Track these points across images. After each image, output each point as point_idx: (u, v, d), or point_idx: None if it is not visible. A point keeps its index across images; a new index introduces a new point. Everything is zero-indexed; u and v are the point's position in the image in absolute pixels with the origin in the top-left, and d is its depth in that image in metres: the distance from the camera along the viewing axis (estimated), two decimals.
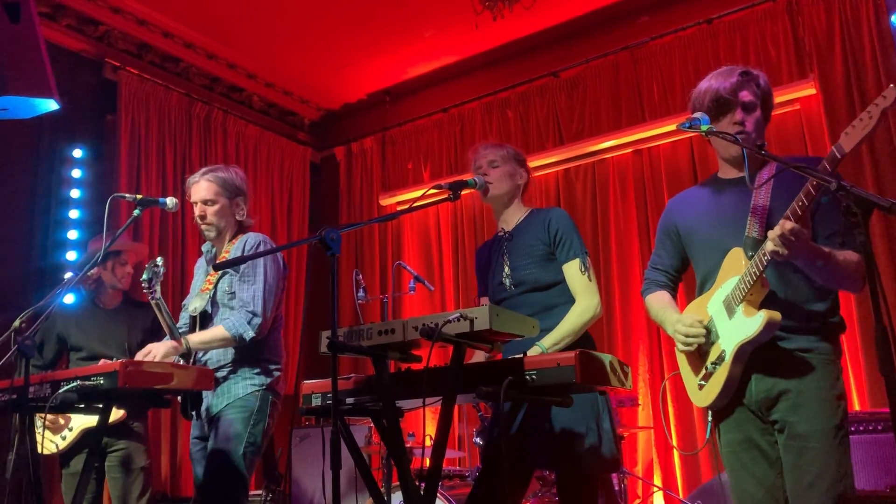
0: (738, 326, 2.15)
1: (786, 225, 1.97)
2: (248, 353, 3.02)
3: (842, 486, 2.05)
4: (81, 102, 5.54)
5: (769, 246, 2.01)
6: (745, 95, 2.29)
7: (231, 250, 3.13)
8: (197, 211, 3.17)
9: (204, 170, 3.23)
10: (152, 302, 2.94)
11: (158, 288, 2.94)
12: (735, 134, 2.24)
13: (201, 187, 3.17)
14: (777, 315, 2.08)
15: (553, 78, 6.17)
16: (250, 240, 3.12)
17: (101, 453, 3.90)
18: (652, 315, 2.55)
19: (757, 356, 2.15)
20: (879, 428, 3.53)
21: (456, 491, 4.07)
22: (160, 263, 2.96)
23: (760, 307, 2.12)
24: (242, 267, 3.04)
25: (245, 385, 2.98)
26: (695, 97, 2.37)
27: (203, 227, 3.18)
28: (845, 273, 2.10)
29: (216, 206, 3.16)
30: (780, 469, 2.17)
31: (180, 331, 3.14)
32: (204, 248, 3.30)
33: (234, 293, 3.04)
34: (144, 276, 2.94)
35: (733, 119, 2.28)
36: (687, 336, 2.27)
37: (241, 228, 3.24)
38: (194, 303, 3.12)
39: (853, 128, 1.89)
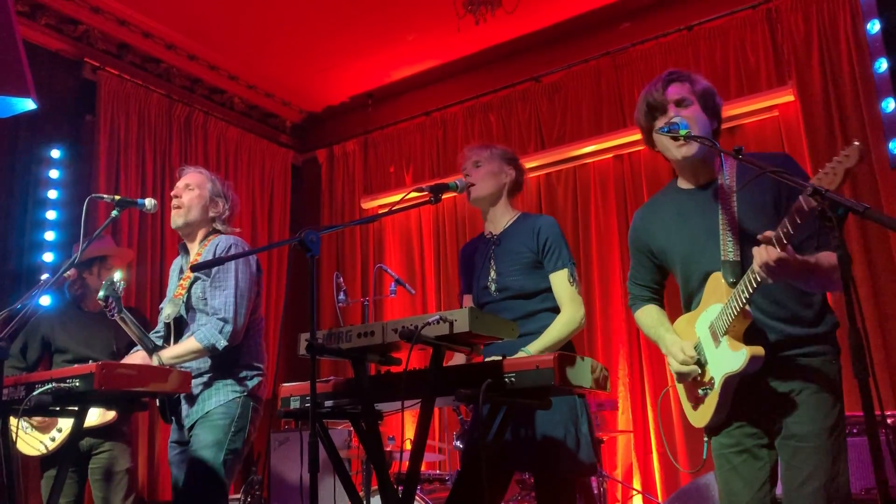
0: (723, 357, 2.13)
1: (771, 254, 1.90)
2: (228, 359, 2.98)
3: (834, 487, 2.04)
4: (60, 102, 5.48)
5: (755, 272, 1.95)
6: (673, 93, 2.27)
7: (203, 252, 3.08)
8: (174, 192, 3.15)
9: (201, 167, 3.25)
10: (116, 319, 2.90)
11: (119, 304, 2.90)
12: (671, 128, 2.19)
13: (189, 175, 3.17)
14: (760, 351, 2.05)
15: (535, 83, 6.20)
16: (222, 243, 3.05)
17: (85, 456, 3.86)
18: (644, 332, 2.52)
19: (748, 391, 2.13)
20: (854, 431, 3.56)
21: (436, 494, 4.07)
22: (117, 279, 2.91)
23: (745, 336, 2.10)
24: (214, 272, 2.99)
25: (226, 391, 2.94)
26: (636, 114, 2.39)
27: (173, 210, 3.13)
28: (832, 277, 2.06)
29: (195, 193, 3.13)
30: (769, 473, 2.17)
31: (158, 335, 3.11)
32: (180, 246, 3.26)
33: (206, 299, 2.99)
34: (101, 294, 2.88)
35: (668, 118, 2.24)
36: (678, 374, 2.27)
37: (213, 230, 3.18)
38: (167, 309, 3.07)
39: (819, 181, 1.77)
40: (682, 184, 2.40)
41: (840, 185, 1.75)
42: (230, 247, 3.03)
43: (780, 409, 2.13)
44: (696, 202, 2.32)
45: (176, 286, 3.13)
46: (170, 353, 2.88)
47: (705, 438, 2.32)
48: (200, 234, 3.16)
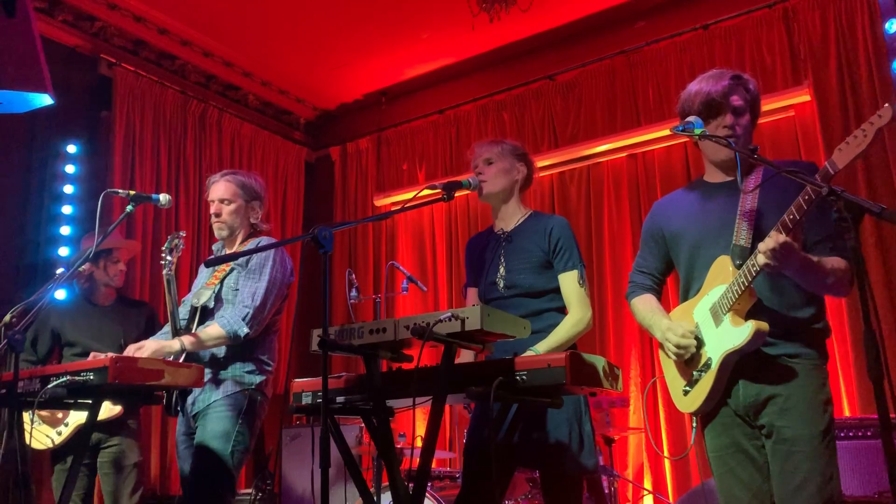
0: (724, 335, 2.16)
1: (777, 238, 1.97)
2: (241, 351, 3.02)
3: (828, 491, 2.06)
4: (76, 98, 5.52)
5: (760, 259, 2.01)
6: (736, 100, 2.29)
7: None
8: (213, 209, 3.20)
9: (225, 171, 3.29)
10: (165, 274, 2.98)
11: (174, 262, 2.99)
12: (725, 137, 2.24)
13: (220, 187, 3.21)
14: (764, 325, 2.09)
15: (549, 81, 6.18)
16: (263, 243, 3.12)
17: (94, 449, 3.90)
18: (639, 319, 2.54)
19: (744, 362, 2.17)
20: (868, 434, 3.54)
21: (445, 492, 4.07)
22: (182, 236, 3.05)
23: (747, 316, 2.13)
24: (250, 265, 3.06)
25: (234, 383, 2.98)
26: (684, 100, 2.36)
27: (216, 224, 3.21)
28: (833, 280, 2.12)
29: (232, 206, 3.19)
30: (766, 474, 2.18)
31: (182, 321, 3.14)
32: (215, 247, 3.34)
33: (238, 290, 3.04)
34: (166, 246, 3.02)
35: (723, 122, 2.28)
36: (678, 346, 2.27)
37: (253, 232, 3.26)
38: (199, 295, 3.12)
39: (847, 144, 1.87)
40: (709, 178, 2.44)
41: (870, 145, 1.83)
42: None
43: (772, 399, 2.15)
44: (718, 194, 2.35)
45: (210, 277, 3.18)
46: (192, 339, 2.91)
47: (693, 424, 2.35)
48: (241, 236, 3.24)
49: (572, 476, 2.64)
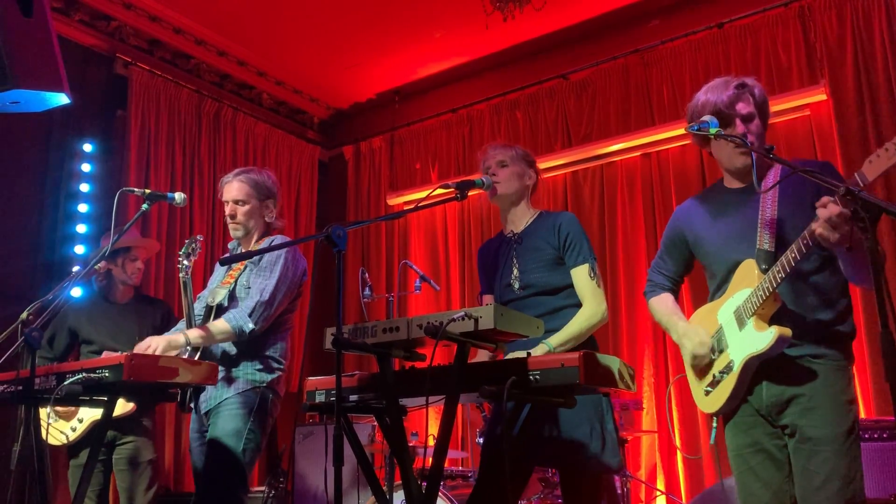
0: (748, 339, 2.16)
1: (832, 209, 1.87)
2: (252, 349, 3.03)
3: (850, 491, 2.06)
4: (92, 97, 5.56)
5: (819, 229, 1.92)
6: (743, 108, 2.30)
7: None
8: (228, 210, 3.22)
9: (238, 171, 3.29)
10: (181, 278, 3.00)
11: (191, 266, 3.01)
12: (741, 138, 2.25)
13: (234, 187, 3.22)
14: (787, 331, 2.09)
15: (562, 80, 6.17)
16: (277, 241, 3.14)
17: (109, 446, 3.93)
18: (657, 318, 2.58)
19: (767, 363, 2.17)
20: (885, 436, 3.51)
21: (458, 491, 4.07)
22: (200, 240, 3.07)
23: (771, 321, 2.13)
24: (263, 262, 3.07)
25: (246, 381, 2.99)
26: (691, 111, 2.37)
27: (231, 225, 3.22)
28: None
29: (247, 207, 3.20)
30: (787, 473, 2.19)
31: (197, 319, 3.16)
32: (230, 245, 3.36)
33: (250, 287, 3.06)
34: (182, 251, 3.04)
35: (733, 132, 2.28)
36: (694, 356, 2.33)
37: (268, 230, 3.28)
38: (214, 294, 3.13)
39: (877, 157, 1.84)
40: (729, 183, 2.44)
41: None
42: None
43: (795, 399, 2.15)
44: (739, 199, 2.36)
45: (225, 276, 3.20)
46: (198, 332, 2.91)
47: (713, 424, 2.35)
48: (256, 235, 3.26)
49: (593, 475, 2.64)
